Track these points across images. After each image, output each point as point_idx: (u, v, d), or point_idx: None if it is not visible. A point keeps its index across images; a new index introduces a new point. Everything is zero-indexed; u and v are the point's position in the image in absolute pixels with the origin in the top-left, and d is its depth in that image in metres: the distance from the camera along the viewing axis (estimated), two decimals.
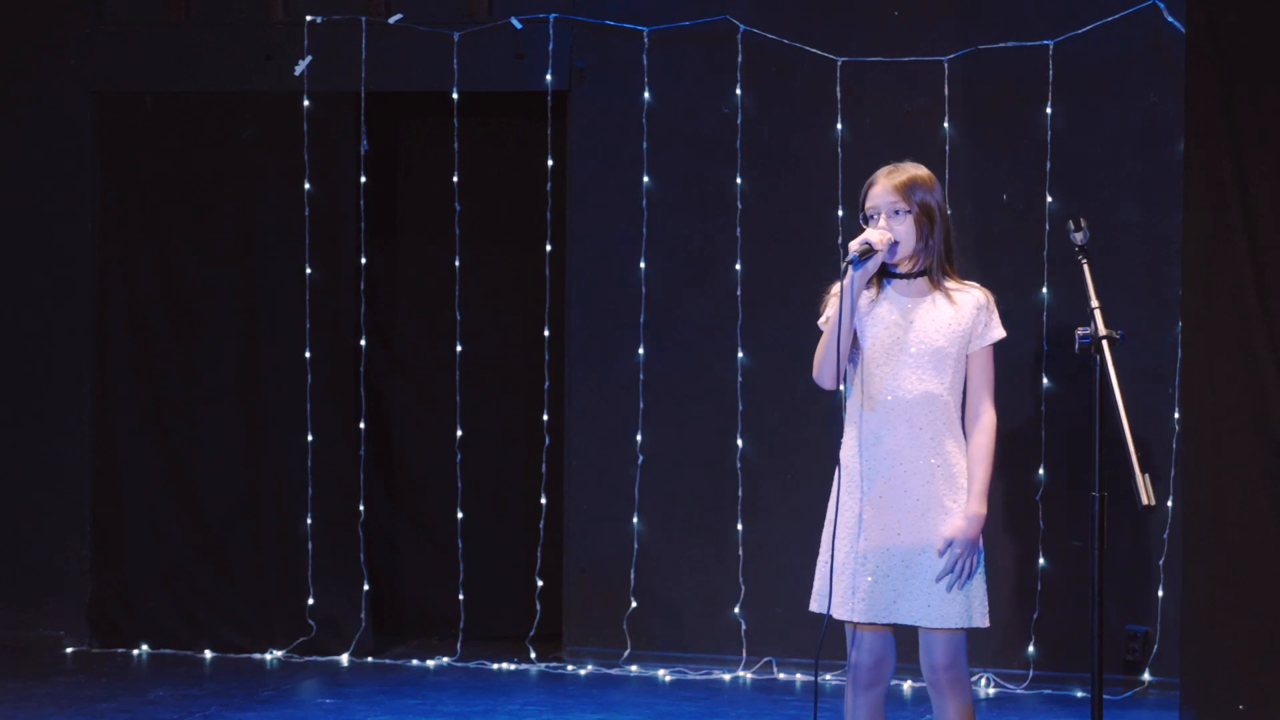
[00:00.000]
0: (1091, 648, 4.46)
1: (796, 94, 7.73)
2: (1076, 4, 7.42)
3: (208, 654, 8.11)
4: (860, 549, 4.74)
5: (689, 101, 7.82)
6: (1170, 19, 7.32)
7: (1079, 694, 7.32)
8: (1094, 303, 4.54)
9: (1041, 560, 7.45)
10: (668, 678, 7.70)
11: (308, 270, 8.08)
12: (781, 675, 7.70)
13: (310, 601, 8.07)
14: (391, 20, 8.01)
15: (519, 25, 7.93)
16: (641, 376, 7.84)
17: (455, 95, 7.99)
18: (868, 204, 4.81)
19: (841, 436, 4.84)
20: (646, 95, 7.83)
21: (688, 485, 7.83)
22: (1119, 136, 7.44)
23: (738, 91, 7.75)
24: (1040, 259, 7.45)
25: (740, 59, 7.74)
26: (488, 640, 8.15)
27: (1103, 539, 4.46)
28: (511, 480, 8.44)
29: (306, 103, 8.06)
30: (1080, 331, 4.51)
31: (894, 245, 4.76)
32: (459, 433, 8.11)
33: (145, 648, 8.19)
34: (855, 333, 4.79)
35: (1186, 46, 6.62)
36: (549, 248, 7.96)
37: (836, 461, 4.80)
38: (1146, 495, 4.28)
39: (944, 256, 4.80)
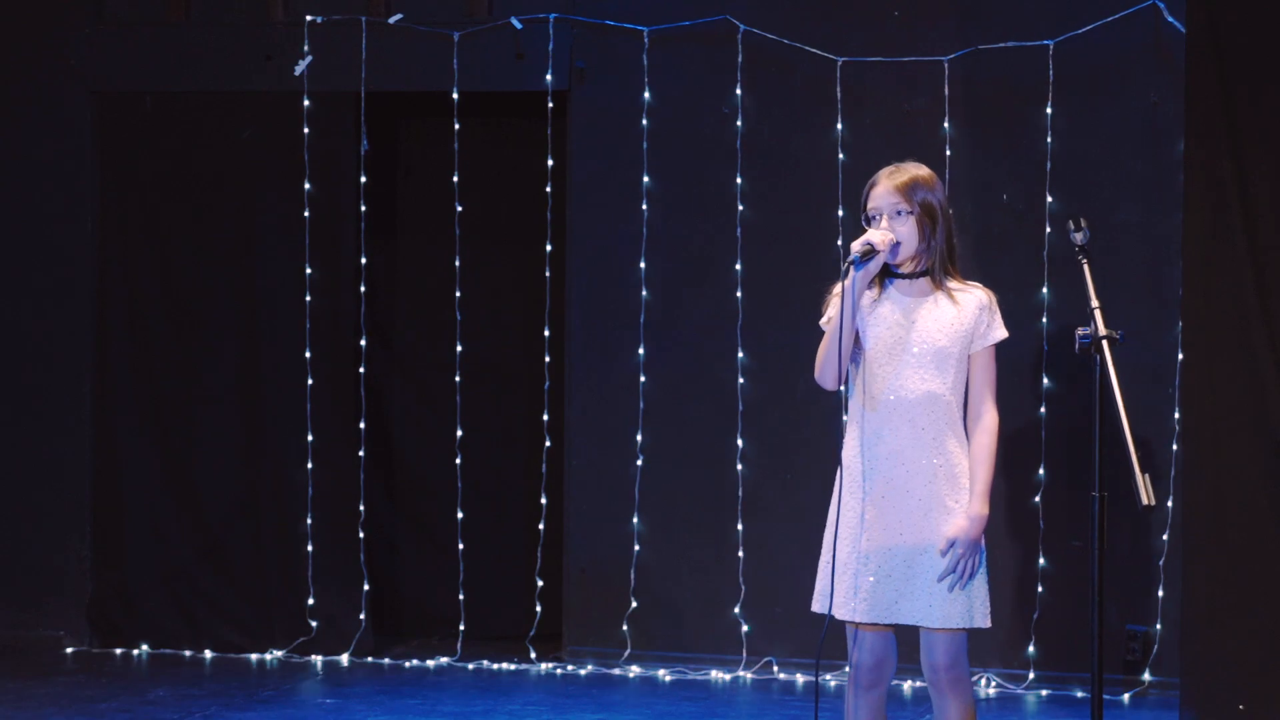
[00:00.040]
0: (1091, 648, 4.46)
1: (796, 94, 7.73)
2: (1076, 4, 7.42)
3: (208, 654, 8.12)
4: (862, 549, 4.74)
5: (689, 101, 7.82)
6: (1170, 19, 7.32)
7: (1079, 694, 7.32)
8: (1094, 303, 4.54)
9: (1042, 560, 7.44)
10: (668, 678, 7.70)
11: (308, 270, 8.08)
12: (782, 675, 7.70)
13: (310, 601, 8.07)
14: (391, 20, 8.01)
15: (519, 25, 7.93)
16: (641, 376, 7.84)
17: (455, 95, 7.99)
18: (870, 205, 4.81)
19: (843, 437, 4.84)
20: (646, 95, 7.83)
21: (688, 485, 7.83)
22: (1119, 136, 7.44)
23: (738, 91, 7.75)
24: (1040, 259, 7.45)
25: (740, 59, 7.74)
26: (488, 640, 8.15)
27: (1103, 539, 4.46)
28: (511, 480, 8.44)
29: (306, 103, 8.06)
30: (1080, 331, 4.51)
31: (896, 246, 4.75)
32: (459, 433, 8.11)
33: (145, 648, 8.20)
34: (857, 333, 4.79)
35: (1186, 46, 6.62)
36: (549, 248, 7.96)
37: (838, 462, 4.80)
38: (1146, 495, 4.28)
39: (946, 257, 4.80)
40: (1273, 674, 6.31)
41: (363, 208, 8.11)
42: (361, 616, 8.07)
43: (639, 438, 7.84)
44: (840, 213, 7.60)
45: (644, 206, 7.84)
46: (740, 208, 7.75)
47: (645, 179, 7.84)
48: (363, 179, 8.09)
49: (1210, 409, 6.41)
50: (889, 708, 4.95)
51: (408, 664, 7.95)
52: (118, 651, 8.19)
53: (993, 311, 4.81)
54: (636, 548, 7.85)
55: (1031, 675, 7.47)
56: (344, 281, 8.14)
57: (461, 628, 8.08)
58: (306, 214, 8.08)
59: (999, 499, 7.27)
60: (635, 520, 7.84)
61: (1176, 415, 7.25)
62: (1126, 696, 7.30)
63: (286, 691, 7.40)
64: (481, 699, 7.28)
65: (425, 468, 8.47)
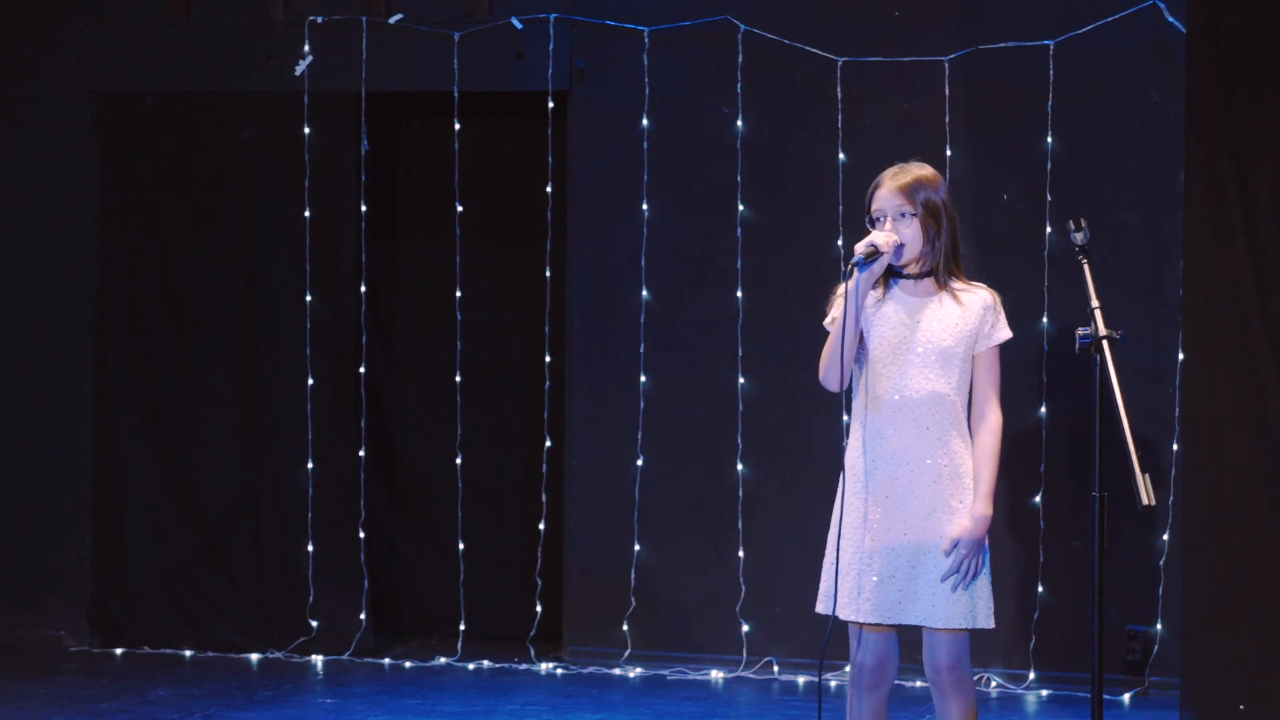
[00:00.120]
0: (1092, 648, 4.46)
1: (797, 94, 7.73)
2: (1077, 4, 7.42)
3: (208, 654, 8.11)
4: (866, 548, 4.74)
5: (689, 101, 7.82)
6: (1170, 19, 7.32)
7: (1080, 694, 7.32)
8: (1094, 303, 4.54)
9: (1042, 560, 7.44)
10: (668, 678, 7.70)
11: (308, 270, 8.08)
12: (782, 676, 7.69)
13: (310, 601, 8.07)
14: (392, 20, 8.02)
15: (519, 25, 7.93)
16: (642, 376, 7.84)
17: (456, 95, 7.99)
18: (874, 206, 4.80)
19: (845, 437, 4.84)
20: (647, 95, 7.83)
21: (688, 485, 7.83)
22: (1119, 136, 7.44)
23: (738, 91, 7.75)
24: (1040, 259, 7.45)
25: (740, 59, 7.74)
26: (488, 640, 8.14)
27: (1103, 539, 4.46)
28: (511, 480, 8.44)
29: (307, 103, 8.06)
30: (1080, 331, 4.51)
31: (900, 248, 4.75)
32: (459, 432, 8.11)
33: (145, 648, 8.19)
34: (861, 334, 4.79)
35: (1186, 46, 6.62)
36: (549, 248, 7.96)
37: (839, 462, 4.80)
38: (1146, 495, 4.28)
39: (951, 257, 4.80)
40: (1273, 674, 6.31)
41: (363, 208, 8.11)
42: (362, 616, 8.07)
43: (639, 438, 7.84)
44: (840, 212, 7.60)
45: (644, 206, 7.85)
46: (740, 208, 7.75)
47: (645, 179, 7.84)
48: (363, 179, 8.09)
49: (1210, 409, 6.41)
50: (890, 707, 4.95)
51: (408, 664, 7.95)
52: (118, 651, 8.19)
53: (997, 312, 4.81)
54: (636, 548, 7.85)
55: (1032, 675, 7.47)
56: (344, 281, 8.14)
57: (462, 627, 8.08)
58: (307, 214, 8.08)
59: (999, 499, 7.25)
60: (635, 520, 7.84)
61: (1176, 415, 7.25)
62: (1127, 696, 7.30)
63: (286, 691, 7.40)
64: (482, 699, 7.28)
65: (425, 467, 8.47)
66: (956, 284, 4.80)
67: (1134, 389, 5.67)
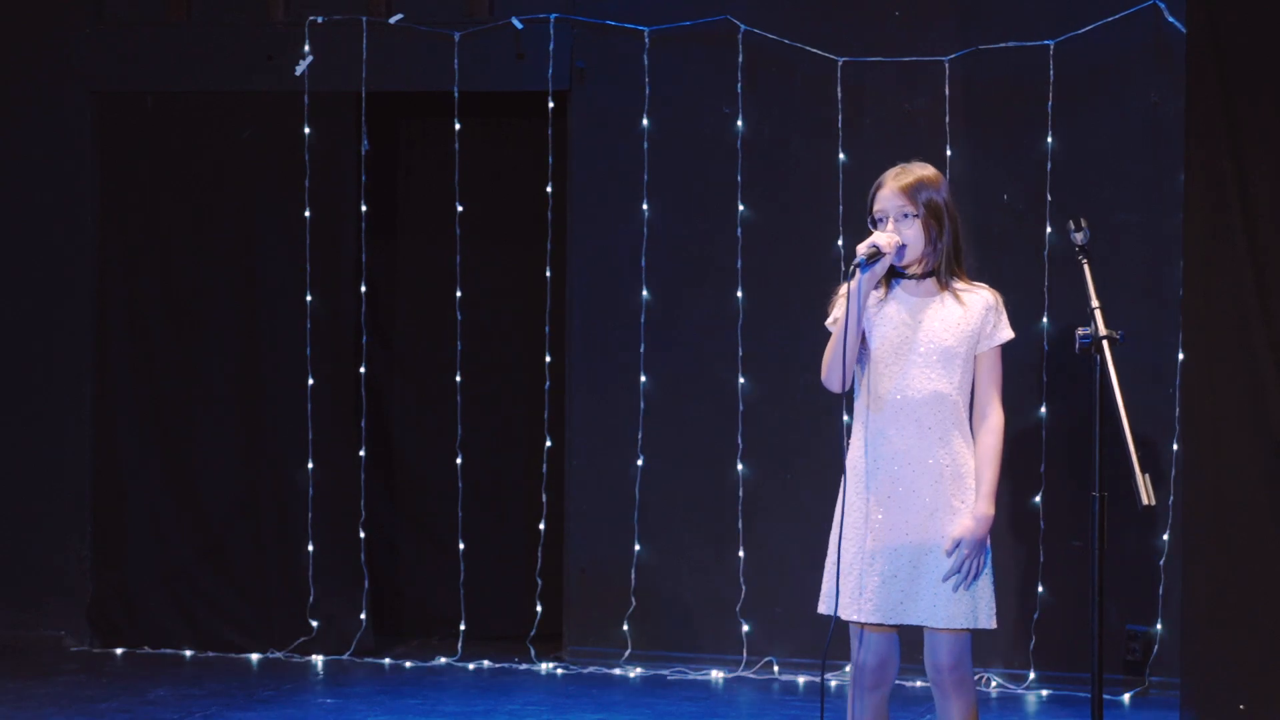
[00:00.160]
0: (1092, 648, 4.46)
1: (797, 94, 7.73)
2: (1077, 4, 7.42)
3: (208, 654, 8.11)
4: (868, 548, 4.74)
5: (689, 101, 7.82)
6: (1170, 19, 7.32)
7: (1080, 694, 7.32)
8: (1094, 303, 4.54)
9: (1042, 560, 7.44)
10: (668, 678, 7.70)
11: (308, 270, 8.08)
12: (782, 676, 7.69)
13: (310, 601, 8.07)
14: (392, 20, 8.02)
15: (519, 25, 7.93)
16: (642, 376, 7.84)
17: (456, 95, 7.99)
18: (876, 207, 4.80)
19: (845, 437, 4.84)
20: (647, 95, 7.83)
21: (688, 485, 7.83)
22: (1119, 136, 7.44)
23: (738, 91, 7.75)
24: (1040, 259, 7.45)
25: (741, 59, 7.74)
26: (488, 640, 8.14)
27: (1103, 539, 4.46)
28: (512, 480, 8.44)
29: (307, 103, 8.06)
30: (1080, 331, 4.51)
31: (901, 249, 4.76)
32: (459, 432, 8.11)
33: (145, 648, 8.19)
34: (863, 334, 4.79)
35: (1186, 46, 6.62)
36: (549, 248, 7.96)
37: (840, 461, 4.80)
38: (1146, 495, 4.28)
39: (952, 257, 4.80)
40: (1273, 674, 6.31)
41: (363, 208, 8.11)
42: (362, 616, 8.07)
43: (639, 438, 7.84)
44: (840, 212, 7.60)
45: (644, 206, 7.85)
46: (740, 208, 7.75)
47: (645, 179, 7.84)
48: (363, 179, 8.09)
49: (1210, 409, 6.41)
50: (891, 707, 4.95)
51: (408, 664, 7.95)
52: (118, 651, 8.19)
53: (999, 312, 4.82)
54: (636, 548, 7.85)
55: (1032, 675, 7.47)
56: (344, 281, 8.14)
57: (462, 627, 8.08)
58: (307, 214, 8.08)
59: (1000, 499, 7.26)
60: (635, 520, 7.84)
61: (1177, 415, 7.25)
62: (1127, 696, 7.30)
63: (287, 691, 7.40)
64: (482, 699, 7.28)
65: (425, 467, 8.47)
66: (958, 284, 4.81)
67: (1134, 389, 5.67)
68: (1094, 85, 7.44)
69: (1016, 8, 7.52)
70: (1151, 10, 7.37)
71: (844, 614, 4.76)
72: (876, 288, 4.80)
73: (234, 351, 8.21)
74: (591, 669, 7.83)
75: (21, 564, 8.36)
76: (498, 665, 7.91)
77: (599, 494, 7.90)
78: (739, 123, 7.75)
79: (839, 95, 7.64)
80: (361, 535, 8.09)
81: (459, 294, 8.10)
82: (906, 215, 4.76)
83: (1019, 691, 7.42)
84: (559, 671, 7.81)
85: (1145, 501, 4.28)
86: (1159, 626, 7.35)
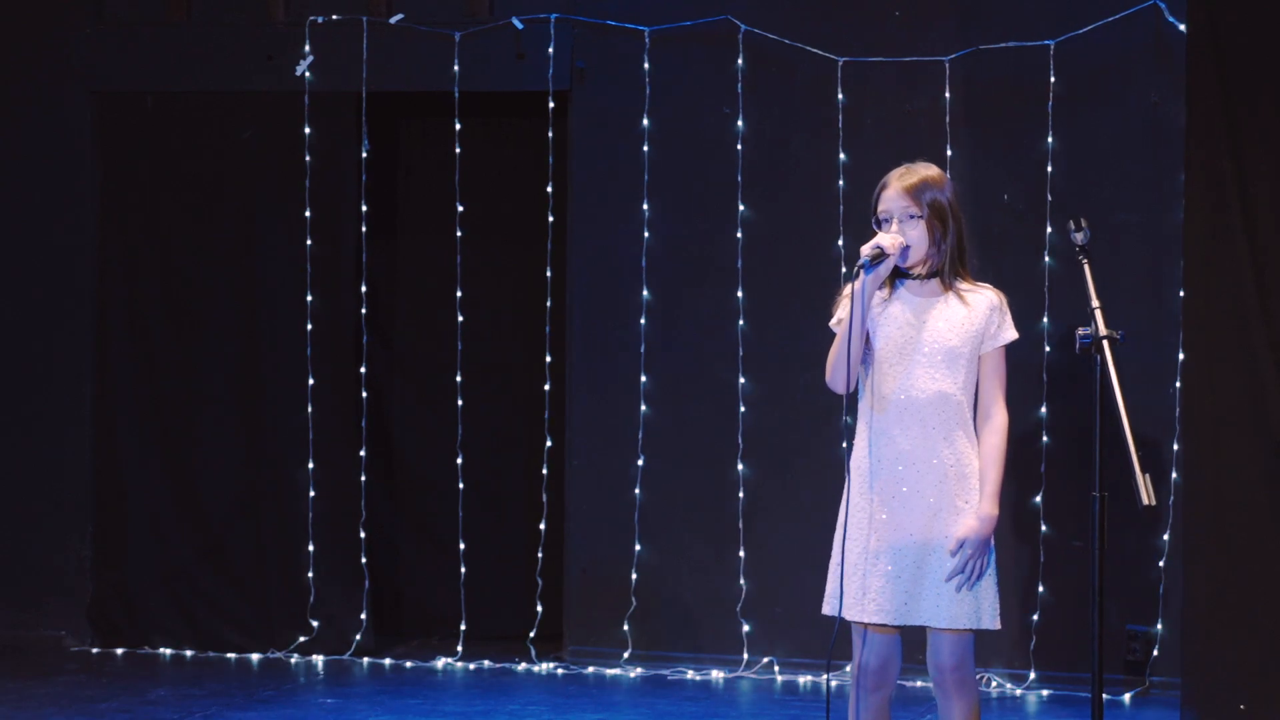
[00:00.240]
0: (1092, 648, 4.46)
1: (797, 94, 7.73)
2: (1077, 4, 7.42)
3: (208, 654, 8.11)
4: (872, 549, 4.74)
5: (690, 101, 7.82)
6: (1170, 19, 7.32)
7: (1080, 694, 7.32)
8: (1094, 303, 4.54)
9: (1042, 560, 7.44)
10: (668, 678, 7.70)
11: (308, 270, 8.08)
12: (783, 676, 7.69)
13: (310, 601, 8.07)
14: (393, 20, 8.01)
15: (520, 25, 7.93)
16: (642, 376, 7.84)
17: (456, 95, 7.99)
18: (880, 207, 4.80)
19: (846, 437, 4.84)
20: (647, 95, 7.83)
21: (688, 485, 7.83)
22: (1119, 136, 7.44)
23: (738, 91, 7.75)
24: (1040, 259, 7.45)
25: (741, 59, 7.74)
26: (489, 640, 8.14)
27: (1103, 539, 4.46)
28: (512, 480, 8.44)
29: (307, 103, 8.06)
30: (1081, 332, 4.51)
31: (906, 249, 4.75)
32: (459, 432, 8.11)
33: (145, 648, 8.19)
34: (868, 334, 4.79)
35: (1187, 46, 6.62)
36: (549, 248, 7.96)
37: (843, 462, 4.80)
38: (1147, 495, 4.28)
39: (957, 258, 4.80)
40: (1273, 674, 6.31)
41: (363, 207, 8.11)
42: (362, 616, 8.07)
43: (639, 438, 7.84)
44: (841, 212, 7.60)
45: (644, 206, 7.84)
46: (740, 208, 7.75)
47: (646, 179, 7.84)
48: (363, 179, 8.09)
49: (1210, 409, 6.41)
50: (891, 707, 4.94)
51: (408, 664, 7.95)
52: (118, 651, 8.19)
53: (1003, 312, 4.82)
54: (636, 548, 7.85)
55: (1032, 675, 7.47)
56: (344, 281, 8.14)
57: (462, 627, 8.08)
58: (307, 214, 8.08)
59: (1002, 499, 7.27)
60: (635, 520, 7.84)
61: (1177, 415, 7.25)
62: (1127, 697, 7.30)
63: (287, 691, 7.40)
64: (482, 699, 7.28)
65: (426, 467, 8.47)
66: (962, 284, 4.81)
67: (1134, 389, 5.69)
68: (1094, 85, 7.44)
69: (1016, 8, 7.52)
70: (1151, 10, 7.37)
71: (848, 614, 4.75)
72: (881, 288, 4.80)
73: (234, 351, 8.20)
74: (591, 669, 7.83)
75: (21, 564, 8.36)
76: (498, 665, 7.91)
77: (599, 494, 7.90)
78: (739, 123, 7.75)
79: (839, 95, 7.64)
80: (361, 535, 8.09)
81: (459, 294, 8.10)
82: (911, 216, 4.76)
83: (1019, 691, 7.42)
84: (559, 671, 7.81)
85: (1145, 501, 4.28)
86: (1159, 626, 7.35)
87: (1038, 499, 7.44)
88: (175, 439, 8.25)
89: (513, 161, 8.39)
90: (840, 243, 7.57)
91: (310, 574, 8.07)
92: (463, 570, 8.07)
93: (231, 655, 8.08)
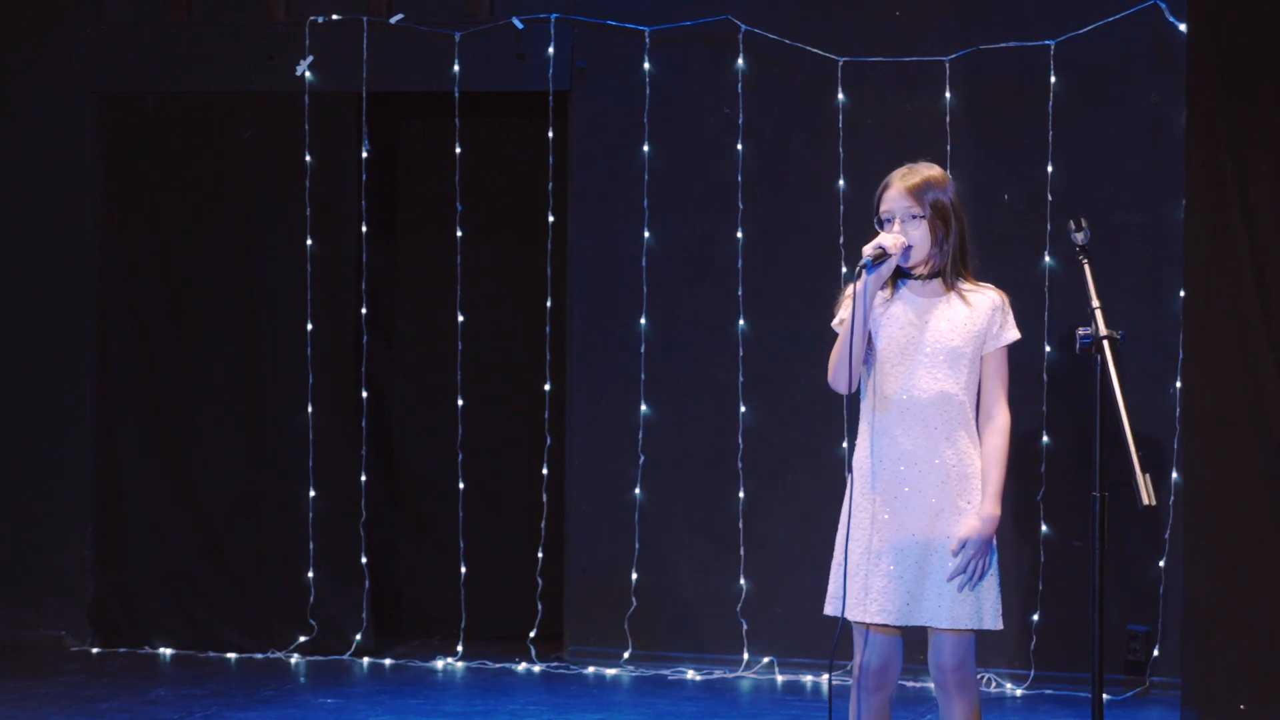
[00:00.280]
0: (1092, 648, 4.46)
1: (797, 94, 7.73)
2: (1077, 4, 7.42)
3: (208, 654, 8.11)
4: (874, 549, 4.74)
5: (690, 101, 7.82)
6: (1171, 19, 7.32)
7: (1080, 694, 7.32)
8: (1095, 303, 4.54)
9: (1043, 560, 7.44)
10: (668, 678, 7.70)
11: (308, 270, 8.08)
12: (782, 676, 7.69)
13: (310, 601, 8.07)
14: (393, 20, 8.02)
15: (520, 25, 7.93)
16: (642, 376, 7.84)
17: (456, 95, 7.99)
18: (882, 207, 4.80)
19: (847, 437, 4.84)
20: (647, 95, 7.83)
21: (688, 485, 7.83)
22: (1120, 136, 7.44)
23: (738, 91, 7.75)
24: (1040, 259, 7.45)
25: (741, 59, 7.74)
26: (489, 640, 8.14)
27: (1103, 539, 4.46)
28: (512, 480, 8.44)
29: (307, 103, 8.07)
30: (1081, 331, 4.51)
31: (908, 250, 4.75)
32: (459, 432, 8.11)
33: (145, 648, 8.19)
34: (869, 335, 4.79)
35: (1187, 46, 6.63)
36: (549, 247, 7.96)
37: (843, 461, 4.80)
38: (1147, 495, 4.28)
39: (959, 258, 4.80)
40: (1273, 674, 6.31)
41: (363, 207, 8.11)
42: (363, 616, 8.07)
43: (639, 438, 7.84)
44: (841, 212, 7.60)
45: (644, 206, 7.85)
46: (741, 207, 7.75)
47: (646, 179, 7.84)
48: (363, 179, 8.09)
49: (1210, 409, 6.41)
50: (892, 708, 4.94)
51: (409, 664, 7.96)
52: (118, 651, 8.19)
53: (1005, 312, 4.82)
54: (637, 548, 7.85)
55: (1033, 675, 7.47)
56: (344, 281, 8.14)
57: (462, 627, 8.08)
58: (307, 214, 8.08)
59: (1003, 499, 7.28)
60: (635, 520, 7.84)
61: (1177, 415, 7.26)
62: (1128, 696, 7.30)
63: (287, 691, 7.40)
64: (482, 699, 7.28)
65: (426, 467, 8.47)
66: (964, 284, 4.81)
67: (1134, 389, 5.69)
68: (1094, 85, 7.44)
69: (1017, 8, 7.52)
70: (1151, 10, 7.37)
71: (850, 615, 4.75)
72: (883, 288, 4.80)
73: (234, 351, 8.21)
74: (592, 669, 7.83)
75: (21, 564, 8.36)
76: (498, 665, 7.91)
77: (599, 494, 7.90)
78: (740, 123, 7.75)
79: (839, 95, 7.64)
80: (362, 535, 8.09)
81: (459, 294, 8.10)
82: (913, 216, 4.76)
83: (1019, 691, 7.42)
84: (560, 671, 7.82)
85: (1145, 501, 4.28)
86: (1160, 626, 7.35)
87: (1038, 499, 7.44)
88: (175, 439, 8.25)
89: (513, 161, 8.39)
90: (840, 243, 7.57)
91: (310, 574, 8.08)
92: (463, 570, 8.07)
93: (232, 655, 8.08)
